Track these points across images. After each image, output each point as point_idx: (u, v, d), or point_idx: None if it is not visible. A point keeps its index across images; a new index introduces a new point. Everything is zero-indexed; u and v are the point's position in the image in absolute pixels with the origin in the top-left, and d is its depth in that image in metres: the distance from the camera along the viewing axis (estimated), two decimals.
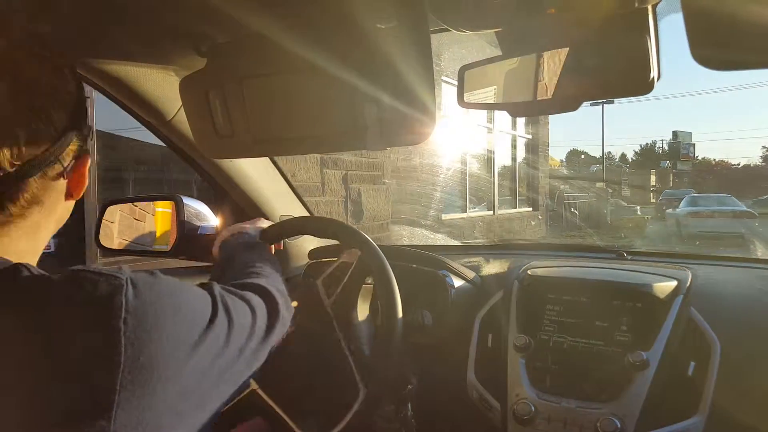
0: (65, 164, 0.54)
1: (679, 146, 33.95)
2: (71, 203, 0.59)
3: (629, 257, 1.22)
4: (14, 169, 0.48)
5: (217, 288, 0.60)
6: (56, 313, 0.44)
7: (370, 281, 1.02)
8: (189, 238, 1.34)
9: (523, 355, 0.98)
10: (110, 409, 0.43)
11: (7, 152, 0.47)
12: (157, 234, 1.43)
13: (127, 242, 1.40)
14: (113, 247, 1.38)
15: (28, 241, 0.54)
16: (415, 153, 6.47)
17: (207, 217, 1.43)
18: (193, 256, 1.41)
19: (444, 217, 7.21)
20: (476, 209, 8.39)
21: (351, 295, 1.00)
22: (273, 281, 0.76)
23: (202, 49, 0.93)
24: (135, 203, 1.48)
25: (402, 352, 0.96)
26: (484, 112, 8.36)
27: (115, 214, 1.42)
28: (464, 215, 7.92)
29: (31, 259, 0.54)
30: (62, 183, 0.55)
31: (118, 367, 0.44)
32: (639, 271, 1.07)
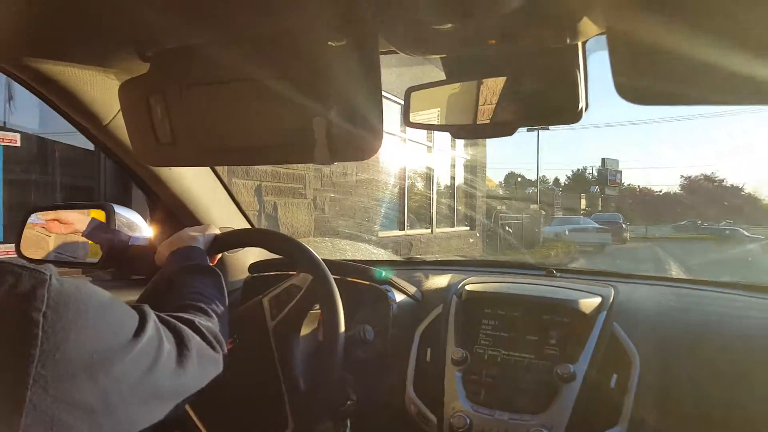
0: None
1: (607, 173, 36.01)
2: None
3: (558, 274, 1.29)
4: None
5: (149, 309, 0.60)
6: None
7: (317, 307, 1.02)
8: (120, 250, 1.28)
9: (459, 368, 1.01)
10: (21, 404, 0.42)
11: None
12: (90, 247, 1.36)
13: (53, 252, 1.32)
14: (37, 257, 1.30)
15: None
16: (353, 168, 6.45)
17: (139, 227, 1.37)
18: (125, 268, 1.35)
19: (381, 234, 7.22)
20: (414, 227, 8.48)
21: (295, 320, 0.99)
22: (215, 321, 0.74)
23: (147, 54, 0.91)
24: (63, 210, 1.40)
25: (342, 368, 0.96)
26: (424, 131, 8.54)
27: (42, 221, 1.34)
28: (402, 233, 7.96)
29: None
30: None
31: (33, 360, 0.43)
32: (567, 287, 1.13)
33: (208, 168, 1.32)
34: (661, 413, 0.90)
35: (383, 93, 0.78)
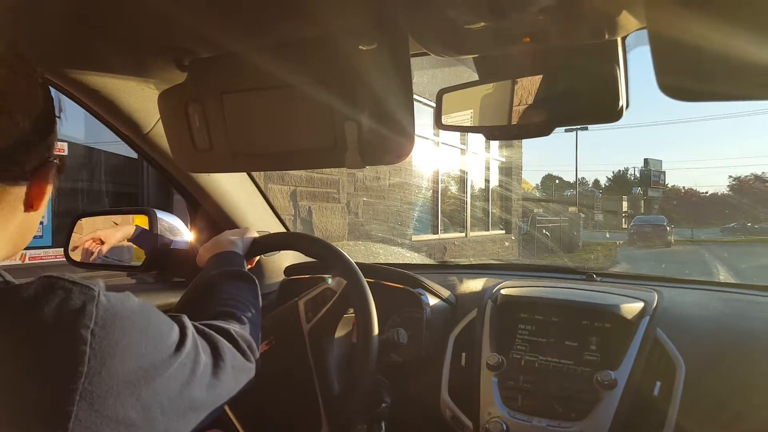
0: (25, 168, 0.53)
1: (650, 173, 34.98)
2: (34, 216, 0.58)
3: (598, 279, 1.25)
4: None
5: (188, 322, 0.60)
6: (27, 318, 0.44)
7: (351, 311, 1.02)
8: (162, 253, 1.32)
9: (495, 374, 1.00)
10: (68, 419, 0.43)
11: None
12: (135, 250, 1.41)
13: (100, 257, 1.37)
14: (84, 261, 1.35)
15: None
16: (386, 172, 6.45)
17: (180, 231, 1.41)
18: (166, 271, 1.39)
19: (415, 237, 7.20)
20: (448, 231, 8.42)
21: (330, 324, 0.99)
22: (248, 328, 0.75)
23: (184, 63, 0.93)
24: (109, 215, 1.45)
25: (376, 371, 0.96)
26: (458, 133, 8.48)
27: (90, 227, 1.39)
28: (435, 236, 7.90)
29: None
30: (20, 189, 0.54)
31: (80, 376, 0.44)
32: (607, 292, 1.09)
33: (244, 173, 1.34)
34: (707, 424, 0.86)
35: (414, 96, 0.78)
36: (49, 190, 0.58)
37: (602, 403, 0.89)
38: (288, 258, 1.42)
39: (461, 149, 8.83)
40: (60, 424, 0.42)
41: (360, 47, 0.77)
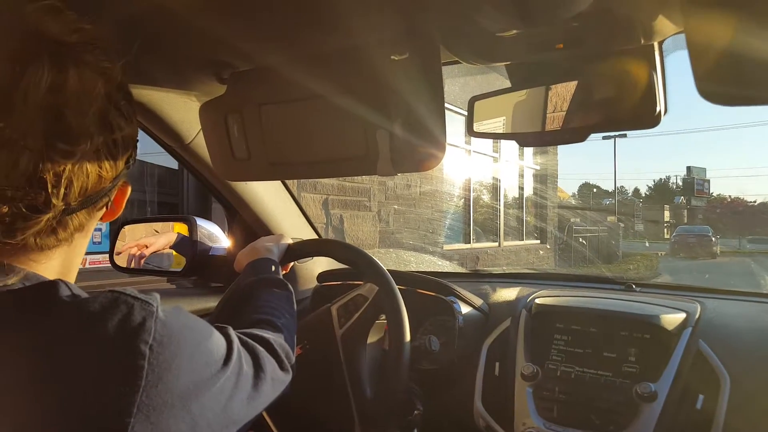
0: (111, 197, 0.58)
1: (693, 182, 33.85)
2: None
3: (638, 289, 1.22)
4: (77, 203, 0.51)
5: (233, 334, 0.62)
6: (92, 332, 0.46)
7: (383, 318, 1.03)
8: (201, 259, 1.36)
9: (530, 384, 0.98)
10: (125, 429, 0.44)
11: (77, 190, 0.50)
12: (174, 257, 1.46)
13: (142, 262, 1.42)
14: (127, 266, 1.40)
15: (64, 261, 0.56)
16: (417, 181, 6.45)
17: (219, 238, 1.45)
18: (205, 276, 1.43)
19: (446, 246, 7.14)
20: (481, 240, 8.31)
21: (362, 329, 1.00)
22: (284, 336, 0.76)
23: (223, 77, 0.96)
24: (151, 223, 1.51)
25: (408, 378, 0.96)
26: (490, 141, 8.40)
27: (133, 234, 1.45)
28: (467, 246, 7.83)
29: (57, 265, 0.57)
30: (103, 212, 0.59)
31: (138, 390, 0.45)
32: (647, 302, 1.07)
33: (279, 182, 1.37)
34: None
35: (445, 104, 0.78)
36: (122, 207, 0.62)
37: (642, 416, 0.87)
38: (321, 265, 1.44)
39: (494, 157, 8.74)
40: None
41: (392, 57, 0.78)
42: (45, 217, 0.49)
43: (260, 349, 0.66)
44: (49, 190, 0.48)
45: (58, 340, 0.45)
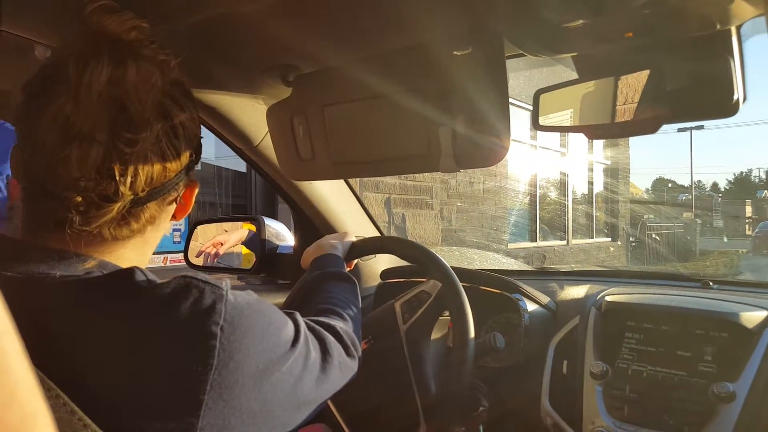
0: (179, 192, 0.62)
1: None
2: (171, 222, 0.66)
3: (715, 286, 1.15)
4: (145, 193, 0.55)
5: (300, 318, 0.64)
6: (166, 314, 0.49)
7: (446, 314, 1.04)
8: (269, 257, 1.42)
9: (600, 382, 0.95)
10: (199, 407, 0.47)
11: (143, 180, 0.54)
12: (243, 256, 1.53)
13: (215, 260, 1.50)
14: (201, 265, 1.49)
15: (137, 253, 0.61)
16: (479, 178, 6.34)
17: (286, 237, 1.50)
18: (273, 274, 1.49)
19: (510, 245, 6.98)
20: (547, 238, 8.06)
21: (426, 325, 1.01)
22: (350, 325, 0.78)
23: (289, 79, 1.00)
24: (221, 222, 1.59)
25: (473, 375, 0.96)
26: (557, 136, 8.13)
27: (204, 233, 1.53)
28: (533, 244, 7.60)
29: (131, 257, 0.61)
30: (173, 206, 0.63)
31: (211, 368, 0.48)
32: (725, 300, 1.01)
33: (342, 182, 1.40)
34: None
35: (509, 99, 0.77)
36: (192, 203, 0.66)
37: (719, 417, 0.82)
38: (384, 262, 1.46)
39: (561, 152, 8.45)
40: (193, 411, 0.47)
41: (455, 53, 0.79)
42: (116, 206, 0.53)
43: (327, 334, 0.68)
44: (117, 179, 0.52)
45: (135, 323, 0.49)
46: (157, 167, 0.56)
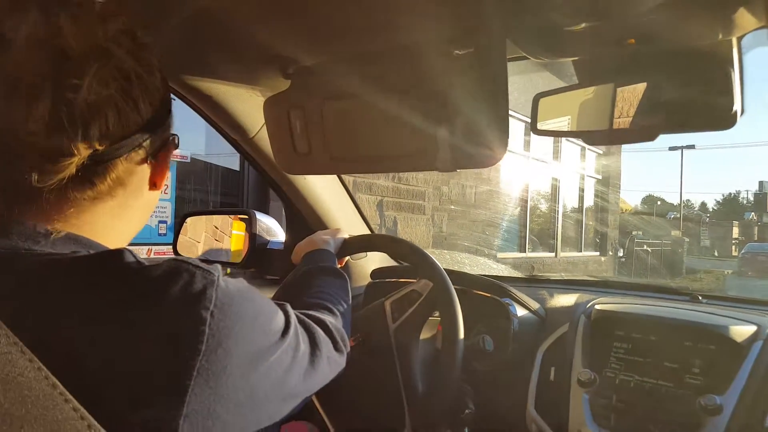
0: (149, 151, 0.58)
1: (766, 197, 31.78)
2: (156, 194, 0.63)
3: (704, 300, 1.16)
4: (103, 147, 0.52)
5: (291, 310, 0.63)
6: (156, 296, 0.48)
7: (436, 314, 1.03)
8: (259, 252, 1.41)
9: (587, 390, 0.95)
10: (185, 392, 0.46)
11: (96, 131, 0.51)
12: (232, 250, 1.52)
13: (202, 254, 1.49)
14: (191, 256, 1.47)
15: (113, 219, 0.58)
16: (472, 186, 6.36)
17: (277, 232, 1.49)
18: (262, 269, 1.48)
19: (499, 255, 7.00)
20: (537, 250, 8.09)
21: (415, 325, 1.00)
22: (340, 320, 0.77)
23: (288, 72, 0.99)
24: (212, 215, 1.57)
25: (461, 377, 0.95)
26: (550, 148, 8.18)
27: (194, 225, 1.52)
28: (522, 255, 7.63)
29: (118, 237, 0.59)
30: (145, 169, 0.59)
31: (198, 354, 0.47)
32: (714, 313, 1.01)
33: (336, 179, 1.40)
34: None
35: None
36: (168, 166, 0.63)
37: (705, 429, 0.82)
38: (374, 262, 1.45)
39: (553, 166, 8.50)
40: (178, 396, 0.46)
41: (456, 52, 0.78)
42: (73, 161, 0.50)
43: (317, 328, 0.68)
44: (67, 129, 0.49)
45: (124, 305, 0.47)
46: (112, 118, 0.52)
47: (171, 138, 0.62)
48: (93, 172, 0.53)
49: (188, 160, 3.76)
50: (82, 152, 0.51)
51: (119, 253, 0.50)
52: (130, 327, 0.47)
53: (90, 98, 0.50)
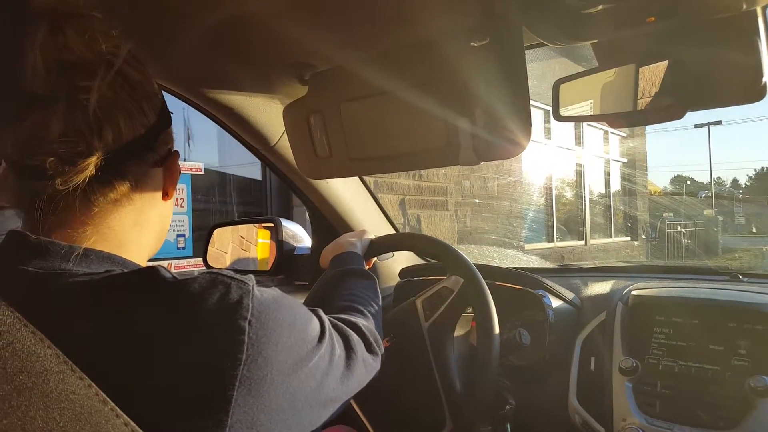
0: (157, 155, 0.60)
1: None
2: (169, 205, 0.65)
3: (745, 279, 1.12)
4: (117, 147, 0.54)
5: (324, 315, 0.63)
6: (194, 310, 0.49)
7: (469, 310, 1.02)
8: (287, 259, 1.42)
9: (629, 378, 0.93)
10: (229, 403, 0.46)
11: (110, 132, 0.53)
12: (259, 259, 1.54)
13: (231, 264, 1.51)
14: (220, 267, 1.49)
15: (134, 228, 0.59)
16: (494, 179, 6.29)
17: (302, 238, 1.50)
18: (290, 275, 1.49)
19: (527, 246, 6.90)
20: (565, 239, 7.95)
21: (449, 322, 0.99)
22: (372, 322, 0.77)
23: (305, 78, 1.00)
24: (239, 225, 1.59)
25: (499, 373, 0.94)
26: (572, 135, 8.04)
27: (220, 237, 1.54)
28: (551, 245, 7.49)
29: (142, 251, 0.60)
30: (157, 175, 0.61)
31: (240, 363, 0.47)
32: (758, 292, 0.98)
33: (358, 181, 1.40)
34: None
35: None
36: (178, 173, 0.64)
37: (756, 411, 0.80)
38: (402, 261, 1.45)
39: (576, 151, 8.35)
40: (222, 407, 0.46)
41: (472, 44, 0.77)
42: (91, 161, 0.52)
43: (350, 331, 0.68)
44: (85, 132, 0.51)
45: (163, 320, 0.48)
46: (122, 120, 0.54)
47: (175, 152, 0.64)
48: (110, 172, 0.54)
49: (202, 172, 3.81)
50: (99, 152, 0.52)
51: (154, 269, 0.51)
52: (171, 341, 0.47)
53: (101, 101, 0.52)
